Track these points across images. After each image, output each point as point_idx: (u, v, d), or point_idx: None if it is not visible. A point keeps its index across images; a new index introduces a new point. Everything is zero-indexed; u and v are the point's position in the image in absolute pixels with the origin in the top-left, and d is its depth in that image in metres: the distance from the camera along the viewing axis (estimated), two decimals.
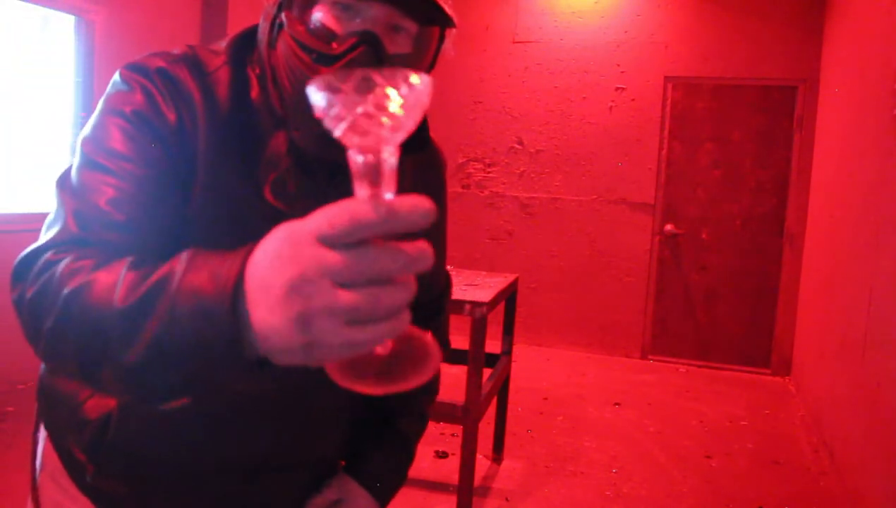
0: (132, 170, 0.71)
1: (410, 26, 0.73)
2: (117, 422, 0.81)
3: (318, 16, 0.72)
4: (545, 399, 4.23)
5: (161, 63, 0.76)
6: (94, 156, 0.72)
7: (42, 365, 0.89)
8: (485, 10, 5.53)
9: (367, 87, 0.39)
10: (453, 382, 4.17)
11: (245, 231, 0.55)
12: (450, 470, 3.09)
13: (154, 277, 0.52)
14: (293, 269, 0.42)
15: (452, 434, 3.49)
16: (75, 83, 3.95)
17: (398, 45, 0.74)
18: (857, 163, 3.48)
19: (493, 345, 2.99)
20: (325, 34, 0.72)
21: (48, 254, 0.63)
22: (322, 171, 0.80)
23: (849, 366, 3.19)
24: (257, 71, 0.79)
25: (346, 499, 0.96)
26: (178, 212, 0.75)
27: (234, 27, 2.82)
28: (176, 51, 0.79)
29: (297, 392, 0.85)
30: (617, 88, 5.28)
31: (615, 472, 3.24)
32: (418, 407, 1.05)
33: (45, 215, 0.74)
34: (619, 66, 5.27)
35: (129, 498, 0.85)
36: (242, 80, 0.79)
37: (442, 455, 3.29)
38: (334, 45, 0.71)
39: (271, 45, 0.77)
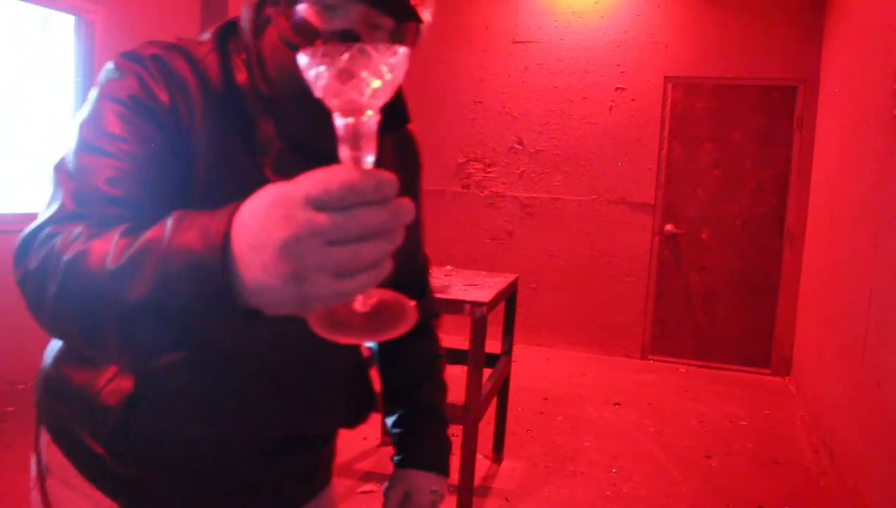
0: (129, 150, 0.72)
1: (387, 23, 0.77)
2: (139, 405, 0.81)
3: (302, 13, 0.75)
4: (545, 399, 4.23)
5: (154, 50, 0.79)
6: (91, 139, 0.73)
7: (43, 364, 0.89)
8: (485, 10, 5.53)
9: (347, 51, 0.44)
10: (453, 382, 4.17)
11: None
12: (450, 470, 3.09)
13: (144, 238, 0.54)
14: (286, 230, 0.44)
15: (452, 435, 3.48)
16: (75, 83, 3.96)
17: (377, 41, 0.77)
18: (857, 163, 3.48)
19: (493, 345, 2.99)
20: (309, 32, 0.75)
21: (48, 229, 0.64)
22: (312, 153, 0.82)
23: (849, 366, 3.19)
24: (243, 56, 0.82)
25: (412, 488, 1.05)
26: (180, 189, 0.76)
27: None
28: (167, 41, 0.81)
29: (305, 366, 0.89)
30: (617, 88, 5.28)
31: (615, 472, 3.24)
32: (433, 374, 1.12)
33: None
34: (619, 66, 5.27)
35: (152, 484, 0.85)
36: (230, 65, 0.82)
37: None
38: (318, 42, 0.75)
39: (257, 32, 0.80)
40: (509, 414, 3.39)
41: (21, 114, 3.87)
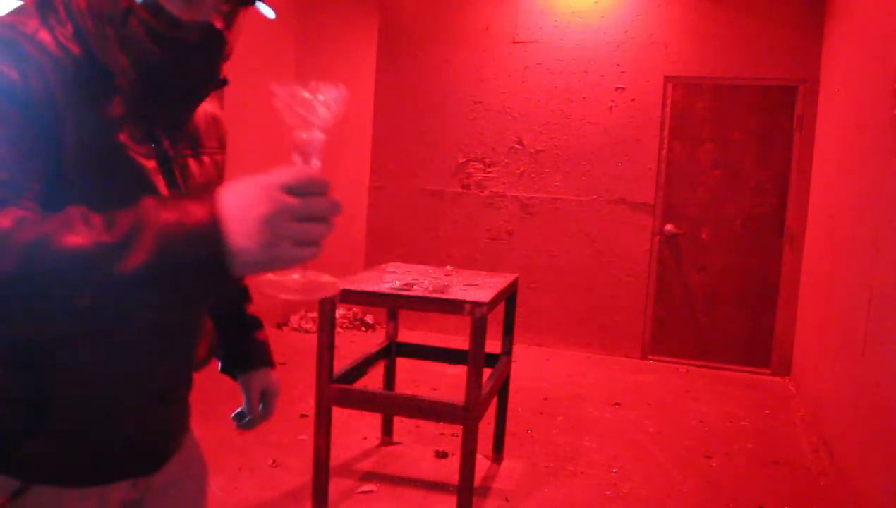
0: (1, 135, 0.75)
1: (227, 7, 0.89)
2: (52, 379, 0.87)
3: (163, 4, 0.82)
4: (545, 399, 4.23)
5: None
6: None
7: None
8: (485, 10, 5.53)
9: (306, 88, 0.66)
10: (453, 382, 4.17)
11: (121, 171, 0.83)
12: (450, 470, 3.09)
13: (134, 215, 0.64)
14: (266, 207, 0.62)
15: (452, 435, 3.49)
16: None
17: (220, 22, 0.90)
18: (857, 163, 3.48)
19: (493, 345, 2.99)
20: (171, 22, 0.82)
21: None
22: (154, 119, 0.90)
23: (849, 366, 3.20)
24: (69, 29, 0.83)
25: (265, 383, 1.26)
26: (52, 163, 0.78)
27: None
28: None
29: (183, 327, 1.03)
30: (617, 88, 5.28)
31: (615, 472, 3.25)
32: (244, 299, 1.31)
33: None
34: (619, 66, 5.27)
35: (68, 450, 0.91)
36: (60, 40, 0.83)
37: (442, 455, 3.29)
38: (184, 32, 0.84)
39: (113, 19, 0.82)
40: (509, 414, 3.39)
41: None
